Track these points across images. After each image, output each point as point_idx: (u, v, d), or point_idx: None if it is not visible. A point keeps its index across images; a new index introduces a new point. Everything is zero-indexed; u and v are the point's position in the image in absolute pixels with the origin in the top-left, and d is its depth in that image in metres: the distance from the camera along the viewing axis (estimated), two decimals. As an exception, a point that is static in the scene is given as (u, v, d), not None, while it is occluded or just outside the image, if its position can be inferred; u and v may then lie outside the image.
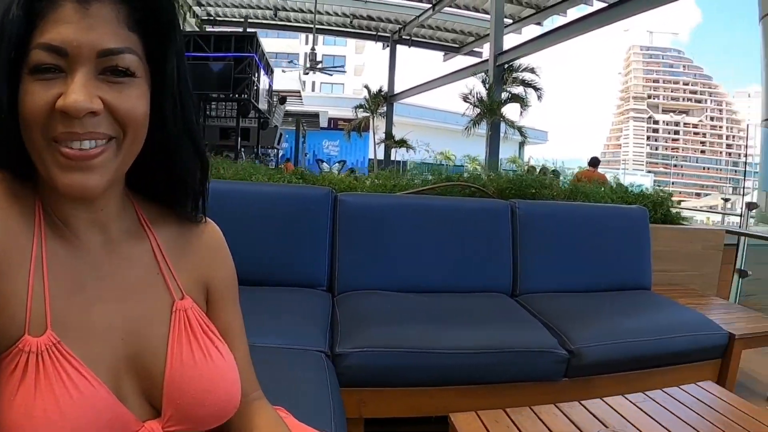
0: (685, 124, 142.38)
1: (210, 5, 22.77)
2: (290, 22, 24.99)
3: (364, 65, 57.19)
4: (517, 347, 2.69)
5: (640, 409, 2.09)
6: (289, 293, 3.09)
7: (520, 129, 15.98)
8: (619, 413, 2.04)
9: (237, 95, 17.20)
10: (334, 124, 31.04)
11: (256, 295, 2.91)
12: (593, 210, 4.05)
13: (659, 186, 8.24)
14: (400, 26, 23.24)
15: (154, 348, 0.92)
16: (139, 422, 0.88)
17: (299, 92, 30.60)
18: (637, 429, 1.93)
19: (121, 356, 0.88)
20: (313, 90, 47.15)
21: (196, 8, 22.28)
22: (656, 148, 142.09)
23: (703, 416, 2.08)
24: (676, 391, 2.27)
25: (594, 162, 11.74)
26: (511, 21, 18.72)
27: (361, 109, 23.46)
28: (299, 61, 29.99)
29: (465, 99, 15.76)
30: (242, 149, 18.58)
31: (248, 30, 20.79)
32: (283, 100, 24.60)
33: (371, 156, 24.86)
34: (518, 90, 16.02)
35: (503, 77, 15.39)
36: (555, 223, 3.74)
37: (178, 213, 1.02)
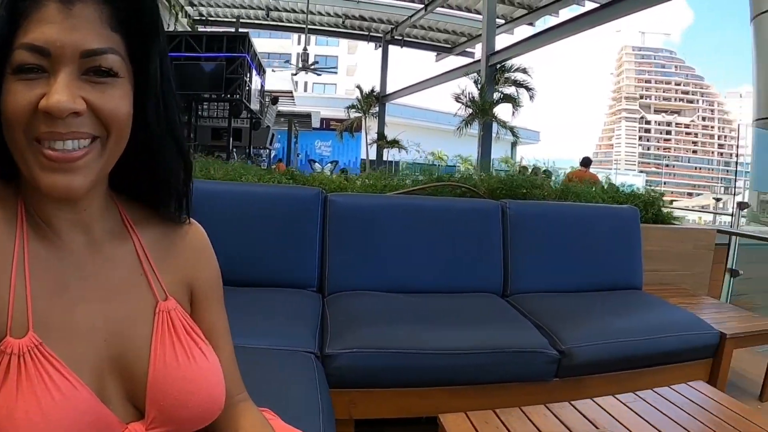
0: (676, 124, 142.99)
1: (202, 5, 22.70)
2: (282, 22, 24.94)
3: (357, 65, 57.21)
4: (508, 347, 2.68)
5: (630, 409, 2.09)
6: (278, 294, 3.08)
7: (512, 129, 15.98)
8: (609, 413, 2.04)
9: (229, 95, 17.13)
10: (327, 124, 31.01)
11: (246, 296, 2.91)
12: (584, 210, 4.05)
13: (651, 186, 8.25)
14: (393, 26, 23.22)
15: (137, 349, 0.91)
16: (122, 424, 0.88)
17: (291, 92, 30.54)
18: (627, 429, 1.92)
19: (104, 357, 0.88)
20: (305, 90, 47.16)
21: (188, 8, 22.19)
22: (648, 148, 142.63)
23: (693, 416, 2.08)
24: (667, 391, 2.27)
25: (586, 162, 11.73)
26: (503, 21, 18.76)
27: (354, 110, 23.44)
28: (292, 61, 29.93)
29: (457, 99, 15.74)
30: (234, 150, 18.53)
31: (240, 30, 20.70)
32: (275, 101, 24.52)
33: (363, 156, 24.85)
34: (510, 90, 16.02)
35: (495, 77, 15.40)
36: (546, 223, 3.74)
37: (161, 214, 1.01)
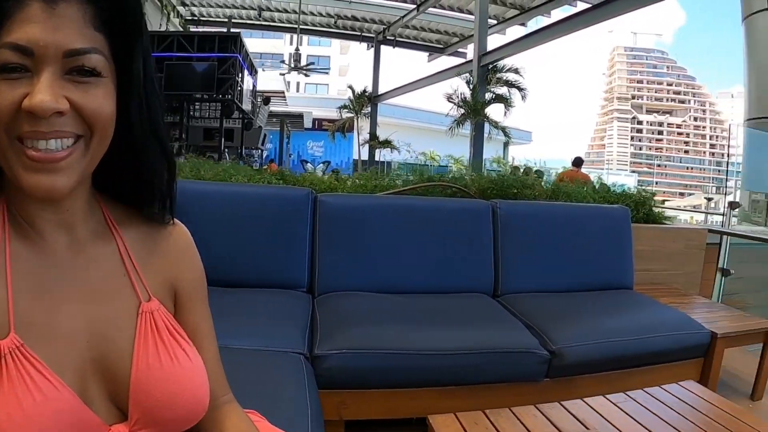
0: (668, 124, 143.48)
1: (194, 5, 22.65)
2: (274, 22, 24.90)
3: (349, 66, 57.15)
4: (499, 348, 2.68)
5: (620, 409, 2.08)
6: (268, 295, 3.07)
7: (504, 129, 16.03)
8: (599, 414, 2.03)
9: (221, 96, 17.11)
10: (319, 124, 31.02)
11: (236, 297, 2.91)
12: (575, 210, 4.06)
13: (643, 186, 8.27)
14: (385, 27, 23.21)
15: (120, 350, 0.90)
16: (105, 426, 0.87)
17: (283, 93, 30.53)
18: (617, 429, 1.92)
19: (86, 359, 0.87)
20: (297, 90, 47.09)
21: (180, 8, 22.15)
22: (640, 148, 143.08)
23: (684, 416, 2.08)
24: (658, 391, 2.27)
25: (577, 162, 11.75)
26: (495, 22, 18.76)
27: (346, 110, 23.44)
28: (285, 60, 29.90)
29: (449, 99, 15.75)
30: (226, 150, 18.48)
31: (232, 30, 20.66)
32: (267, 101, 24.46)
33: (356, 156, 24.84)
34: (502, 90, 16.08)
35: (487, 78, 15.43)
36: (537, 223, 3.74)
37: (145, 214, 1.01)
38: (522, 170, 10.82)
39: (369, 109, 23.82)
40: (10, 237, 0.84)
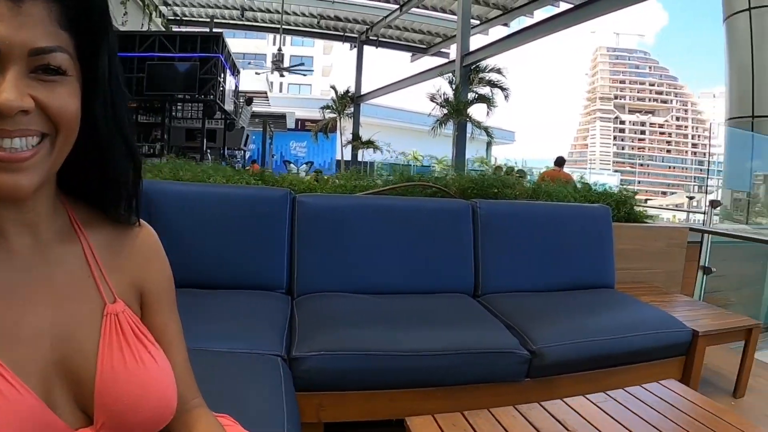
0: (651, 124, 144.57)
1: (176, 5, 22.57)
2: (257, 22, 24.83)
3: (332, 66, 57.19)
4: (479, 348, 2.67)
5: (601, 409, 2.07)
6: (247, 296, 3.04)
7: (486, 129, 16.07)
8: (579, 414, 2.02)
9: (203, 96, 17.04)
10: (302, 125, 30.94)
11: (213, 299, 2.89)
12: (555, 209, 4.05)
13: (625, 185, 8.30)
14: (368, 27, 23.21)
15: (85, 353, 0.89)
16: (70, 430, 0.86)
17: (266, 93, 30.46)
18: (597, 430, 1.90)
19: (50, 361, 0.86)
20: (280, 91, 47.12)
21: (162, 8, 22.06)
22: (623, 148, 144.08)
23: (665, 415, 2.07)
24: (639, 390, 2.26)
25: (559, 161, 11.78)
26: (478, 22, 18.80)
27: (328, 110, 23.45)
28: (267, 61, 29.85)
29: (432, 99, 15.80)
30: (208, 151, 18.40)
31: (214, 30, 20.60)
32: (249, 101, 24.38)
33: (339, 157, 24.83)
34: (485, 90, 16.13)
35: (470, 78, 15.47)
36: (517, 223, 3.73)
37: (111, 215, 1.00)
38: (504, 170, 10.83)
39: (352, 109, 23.85)
40: None
